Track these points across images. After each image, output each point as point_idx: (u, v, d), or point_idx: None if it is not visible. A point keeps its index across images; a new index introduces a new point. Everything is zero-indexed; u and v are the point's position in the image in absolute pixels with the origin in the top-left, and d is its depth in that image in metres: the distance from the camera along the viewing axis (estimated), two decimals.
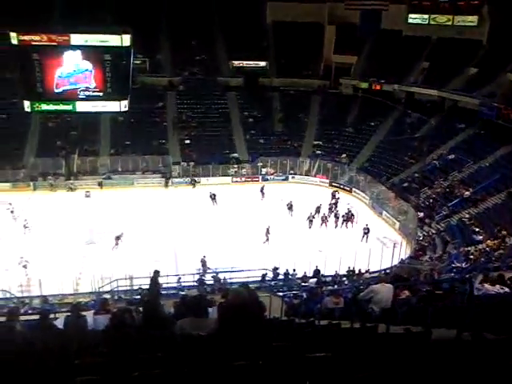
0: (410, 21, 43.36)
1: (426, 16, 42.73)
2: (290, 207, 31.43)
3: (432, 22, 42.50)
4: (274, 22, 46.71)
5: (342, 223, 30.17)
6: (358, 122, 41.83)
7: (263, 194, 34.06)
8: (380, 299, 8.31)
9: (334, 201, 32.59)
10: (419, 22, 43.11)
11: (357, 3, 44.26)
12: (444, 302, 8.45)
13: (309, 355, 4.28)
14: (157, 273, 13.93)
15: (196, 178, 37.15)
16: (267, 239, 26.98)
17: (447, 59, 39.01)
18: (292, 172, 38.94)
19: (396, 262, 23.20)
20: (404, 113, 40.20)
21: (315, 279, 19.73)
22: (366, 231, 28.03)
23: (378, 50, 43.46)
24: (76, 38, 20.34)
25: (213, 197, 32.98)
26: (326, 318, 8.71)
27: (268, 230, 27.14)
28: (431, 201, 31.32)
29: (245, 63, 45.27)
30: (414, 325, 6.40)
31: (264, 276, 20.76)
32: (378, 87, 41.90)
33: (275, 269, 21.38)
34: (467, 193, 29.81)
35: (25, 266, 22.77)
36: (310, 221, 29.69)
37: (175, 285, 19.85)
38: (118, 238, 26.08)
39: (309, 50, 44.89)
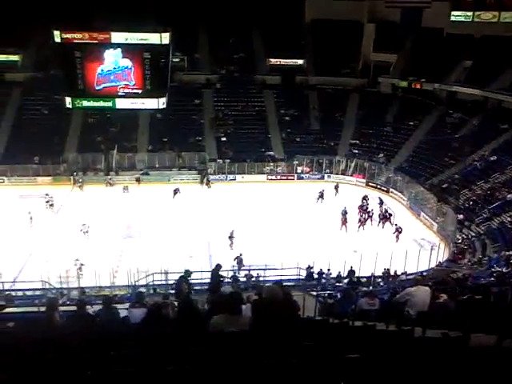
0: (453, 18, 42.29)
1: (470, 13, 41.56)
2: (321, 195, 31.49)
3: (476, 19, 41.31)
4: (312, 19, 46.39)
5: (379, 223, 29.70)
6: (396, 122, 41.14)
7: (322, 197, 33.12)
8: (416, 302, 8.15)
9: (365, 202, 32.04)
10: (462, 19, 41.99)
11: (398, 1, 43.52)
12: (484, 307, 8.21)
13: (344, 356, 4.22)
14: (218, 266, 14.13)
15: (210, 177, 36.90)
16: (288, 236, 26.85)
17: (491, 58, 37.81)
18: (328, 171, 38.64)
19: (433, 264, 22.70)
20: (445, 112, 39.29)
21: (349, 279, 19.51)
22: (398, 230, 27.53)
23: (418, 49, 42.55)
24: (116, 36, 20.79)
25: (176, 191, 32.75)
26: (360, 319, 8.59)
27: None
28: (471, 203, 30.50)
29: (282, 61, 45.20)
30: (451, 329, 6.23)
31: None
32: (418, 86, 41.07)
33: (309, 268, 21.24)
34: (510, 195, 28.88)
35: (80, 269, 23.14)
36: (344, 217, 29.34)
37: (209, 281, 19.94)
38: (230, 236, 26.17)
39: (347, 48, 44.40)
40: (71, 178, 35.93)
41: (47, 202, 30.07)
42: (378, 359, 4.42)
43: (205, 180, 36.85)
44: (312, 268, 21.25)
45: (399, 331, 6.67)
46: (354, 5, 44.96)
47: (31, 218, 27.57)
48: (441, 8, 42.09)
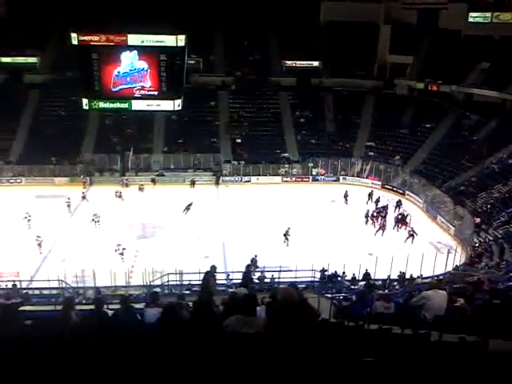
0: (471, 20, 41.84)
1: (489, 14, 41.06)
2: (346, 196, 31.49)
3: (494, 20, 40.79)
4: (327, 21, 46.29)
5: (395, 226, 29.45)
6: (413, 124, 40.83)
7: (346, 199, 33.02)
8: (432, 306, 8.06)
9: (380, 205, 31.82)
10: (480, 20, 41.51)
11: (415, 2, 43.24)
12: (502, 312, 8.08)
13: (359, 359, 4.19)
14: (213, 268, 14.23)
15: (195, 178, 36.68)
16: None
17: (510, 59, 37.30)
18: (343, 173, 38.48)
19: (450, 268, 22.45)
20: (462, 114, 38.88)
21: (365, 282, 19.38)
22: (412, 235, 27.28)
23: (435, 50, 42.16)
24: (133, 39, 20.92)
25: (189, 207, 30.58)
26: (375, 322, 8.53)
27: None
28: (489, 206, 30.11)
29: (297, 63, 45.16)
30: (469, 334, 6.15)
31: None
32: (435, 88, 40.73)
33: (323, 270, 21.16)
34: None
35: (122, 253, 24.27)
36: (368, 217, 29.50)
37: (224, 282, 19.99)
38: (285, 234, 26.45)
39: (363, 50, 44.19)
40: (87, 178, 36.28)
41: (66, 203, 30.36)
42: (394, 363, 4.38)
43: (220, 181, 37.02)
44: (326, 271, 21.16)
45: (415, 335, 6.60)
46: (370, 7, 44.78)
47: (29, 221, 27.51)
48: (458, 9, 41.65)
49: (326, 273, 21.17)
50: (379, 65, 45.16)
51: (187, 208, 30.18)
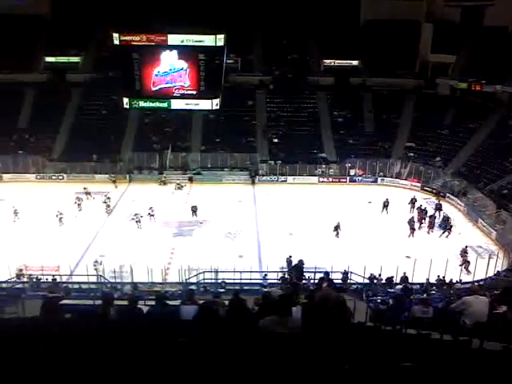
0: None
1: None
2: (386, 205, 30.74)
3: None
4: (368, 20, 45.61)
5: (442, 234, 28.52)
6: (454, 124, 39.75)
7: (414, 204, 31.37)
8: (473, 312, 7.83)
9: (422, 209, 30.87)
10: None
11: None
12: None
13: (397, 364, 4.09)
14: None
15: (182, 183, 36.20)
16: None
17: None
18: (381, 174, 37.87)
19: (491, 273, 21.77)
20: (507, 115, 37.62)
21: (402, 286, 18.99)
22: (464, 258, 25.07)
23: (479, 49, 40.88)
24: (173, 38, 21.13)
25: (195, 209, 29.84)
26: (413, 326, 8.34)
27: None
28: None
29: (336, 62, 44.64)
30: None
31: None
32: (479, 88, 39.48)
33: (344, 272, 20.81)
34: None
35: (139, 221, 27.73)
36: (412, 227, 28.40)
37: (259, 281, 20.04)
38: (336, 228, 26.73)
39: (404, 48, 43.29)
40: (126, 176, 37.04)
41: (105, 202, 30.99)
42: (434, 369, 4.26)
43: (256, 180, 37.13)
44: (374, 277, 20.71)
45: (455, 341, 6.42)
46: (411, 4, 43.80)
47: (60, 219, 28.26)
48: (505, 5, 40.19)
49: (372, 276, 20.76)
50: (420, 64, 44.21)
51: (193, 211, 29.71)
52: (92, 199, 31.97)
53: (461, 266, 24.10)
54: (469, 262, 24.00)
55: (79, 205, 30.49)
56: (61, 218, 28.22)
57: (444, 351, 5.56)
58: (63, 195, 32.05)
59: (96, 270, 21.71)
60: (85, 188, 32.57)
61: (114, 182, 35.60)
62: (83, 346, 4.58)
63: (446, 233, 28.29)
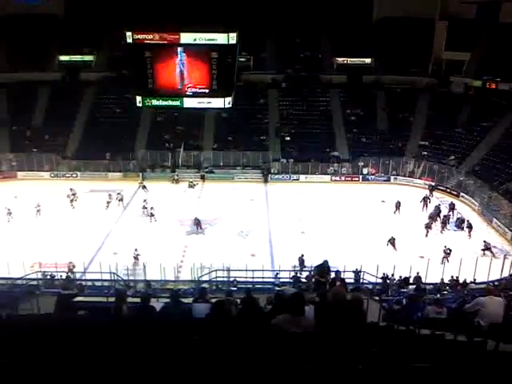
0: None
1: None
2: (398, 206, 30.46)
3: None
4: (381, 17, 45.27)
5: (468, 233, 28.11)
6: (469, 123, 39.31)
7: (399, 209, 30.66)
8: (488, 313, 7.73)
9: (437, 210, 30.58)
10: None
11: None
12: None
13: (411, 364, 4.06)
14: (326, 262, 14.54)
15: (194, 182, 36.32)
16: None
17: None
18: (395, 173, 37.61)
19: (506, 274, 21.52)
20: None
21: (415, 286, 18.85)
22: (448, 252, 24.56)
23: (494, 46, 40.38)
24: (185, 37, 21.15)
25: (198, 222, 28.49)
26: (426, 327, 8.27)
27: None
28: None
29: (349, 60, 44.37)
30: None
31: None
32: (493, 86, 39.04)
33: (356, 272, 20.65)
34: None
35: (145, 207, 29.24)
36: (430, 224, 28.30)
37: (271, 280, 20.01)
38: (392, 242, 26.02)
39: (417, 46, 42.87)
40: (139, 174, 37.24)
41: (118, 199, 31.23)
42: (448, 370, 4.22)
43: (268, 178, 37.14)
44: (387, 277, 20.57)
45: (470, 342, 6.34)
46: (425, 2, 43.34)
47: (38, 211, 28.91)
48: None
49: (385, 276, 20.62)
50: (434, 62, 43.79)
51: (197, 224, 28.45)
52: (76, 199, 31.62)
53: (483, 250, 24.78)
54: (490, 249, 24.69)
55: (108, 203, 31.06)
56: (38, 210, 28.88)
57: (458, 352, 5.50)
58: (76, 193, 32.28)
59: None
60: (71, 189, 32.05)
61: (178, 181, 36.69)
62: (96, 342, 4.60)
63: (467, 233, 28.05)
